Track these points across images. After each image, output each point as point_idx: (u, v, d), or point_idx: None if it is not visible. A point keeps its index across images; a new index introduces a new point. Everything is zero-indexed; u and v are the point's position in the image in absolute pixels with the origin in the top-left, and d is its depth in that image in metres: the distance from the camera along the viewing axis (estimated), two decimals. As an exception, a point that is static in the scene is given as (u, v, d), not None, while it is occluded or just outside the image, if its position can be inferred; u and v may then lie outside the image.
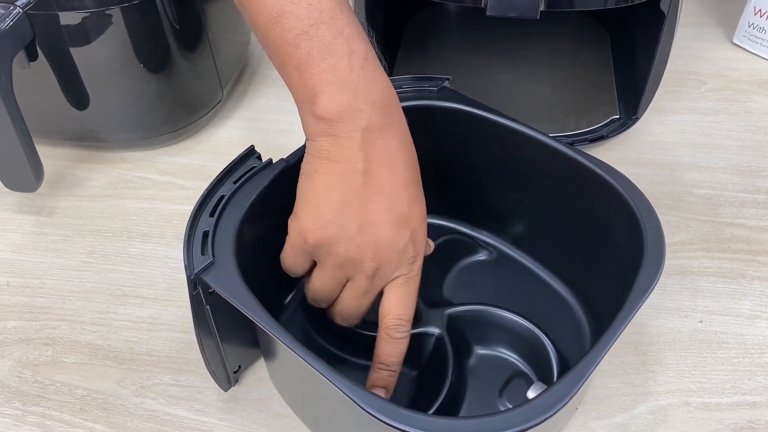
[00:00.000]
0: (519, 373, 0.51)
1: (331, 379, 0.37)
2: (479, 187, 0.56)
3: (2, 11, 0.56)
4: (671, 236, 0.60)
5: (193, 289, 0.42)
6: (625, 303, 0.41)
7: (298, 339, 0.39)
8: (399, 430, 0.35)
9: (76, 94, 0.64)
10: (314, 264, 0.46)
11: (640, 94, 0.66)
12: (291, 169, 0.48)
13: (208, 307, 0.43)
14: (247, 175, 0.46)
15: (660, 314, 0.55)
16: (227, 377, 0.50)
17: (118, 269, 0.60)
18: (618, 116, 0.68)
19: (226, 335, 0.47)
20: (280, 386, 0.51)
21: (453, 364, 0.49)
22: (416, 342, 0.50)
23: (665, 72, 0.65)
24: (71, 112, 0.65)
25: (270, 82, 0.78)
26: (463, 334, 0.52)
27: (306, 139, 0.44)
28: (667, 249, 0.43)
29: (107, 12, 0.58)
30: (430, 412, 0.46)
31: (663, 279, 0.42)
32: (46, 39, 0.59)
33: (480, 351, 0.52)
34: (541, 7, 0.54)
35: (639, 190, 0.46)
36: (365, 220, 0.43)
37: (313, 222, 0.43)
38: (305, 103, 0.43)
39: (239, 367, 0.51)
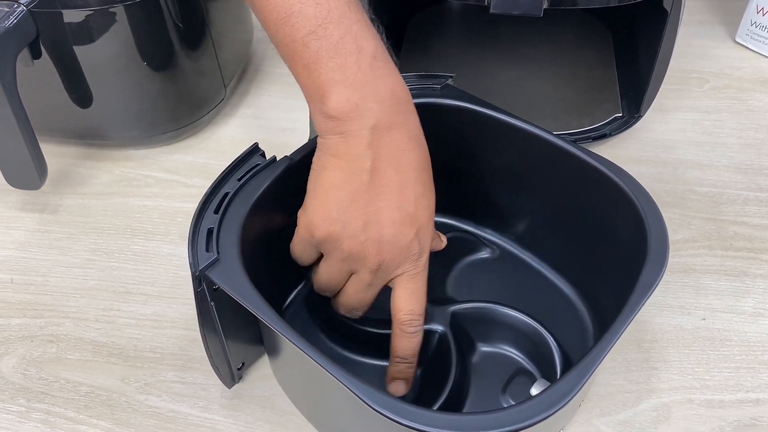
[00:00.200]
0: (522, 371, 0.51)
1: (335, 375, 0.37)
2: (482, 184, 0.56)
3: (6, 9, 0.56)
4: (674, 234, 0.60)
5: (197, 285, 0.42)
6: (628, 300, 0.41)
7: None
8: (403, 426, 0.36)
9: (80, 92, 0.64)
10: (321, 255, 0.47)
11: (642, 93, 0.66)
12: (295, 166, 0.48)
13: (212, 303, 0.43)
14: (251, 172, 0.46)
15: (663, 312, 0.56)
16: (231, 374, 0.50)
17: (121, 267, 0.60)
18: (621, 114, 0.68)
19: (230, 332, 0.47)
20: (284, 383, 0.51)
21: (456, 362, 0.49)
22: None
23: (668, 70, 0.65)
24: (74, 110, 0.65)
25: (272, 80, 0.78)
26: (467, 331, 0.52)
27: (317, 135, 0.45)
28: (670, 247, 0.43)
29: (111, 10, 0.59)
30: (434, 408, 0.47)
31: (666, 277, 0.42)
32: (49, 37, 0.59)
33: (483, 348, 0.52)
34: (545, 5, 0.54)
35: (643, 188, 0.46)
36: (370, 218, 0.43)
37: (320, 217, 0.44)
38: (315, 101, 0.43)
39: (243, 364, 0.51)
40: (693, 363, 0.53)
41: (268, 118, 0.73)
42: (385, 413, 0.36)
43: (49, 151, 0.64)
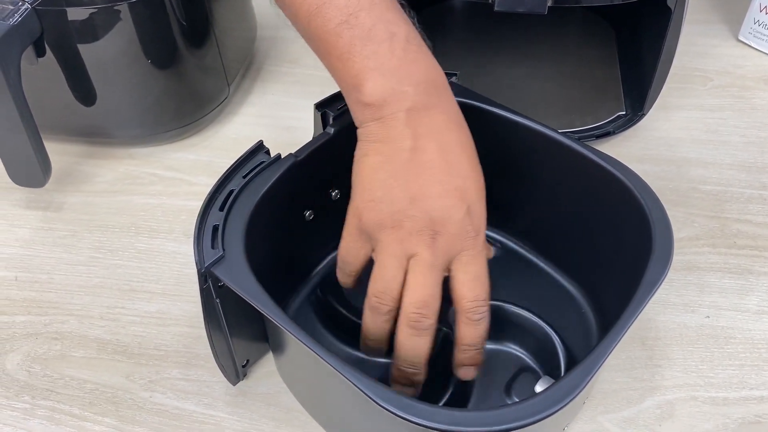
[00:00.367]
0: (526, 368, 0.51)
1: (341, 371, 0.37)
2: (486, 182, 0.56)
3: (11, 7, 0.56)
4: (677, 232, 0.60)
5: (203, 282, 0.42)
6: (633, 297, 0.41)
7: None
8: (409, 422, 0.36)
9: (84, 90, 0.64)
10: (370, 262, 0.45)
11: (646, 91, 0.67)
12: (300, 163, 0.48)
13: (217, 300, 0.43)
14: (257, 169, 0.47)
15: (667, 309, 0.56)
16: (236, 371, 0.50)
17: (126, 264, 0.60)
18: (624, 112, 0.68)
19: (235, 329, 0.47)
20: (289, 380, 0.51)
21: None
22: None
23: (671, 68, 0.65)
24: (78, 108, 0.65)
25: (275, 79, 0.78)
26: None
27: (356, 127, 0.45)
28: (674, 244, 0.43)
29: (115, 8, 0.59)
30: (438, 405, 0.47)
31: (669, 274, 0.42)
32: (53, 35, 0.59)
33: (487, 346, 0.51)
34: (549, 3, 0.54)
35: (647, 185, 0.46)
36: (416, 193, 0.42)
37: (366, 201, 0.43)
38: (351, 91, 0.43)
39: (247, 361, 0.51)
40: (697, 360, 0.53)
41: (271, 116, 0.73)
42: (390, 409, 0.36)
43: (53, 149, 0.64)
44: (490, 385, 0.50)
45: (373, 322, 0.44)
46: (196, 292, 0.43)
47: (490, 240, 0.58)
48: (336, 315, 0.53)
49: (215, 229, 0.43)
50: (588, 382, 0.38)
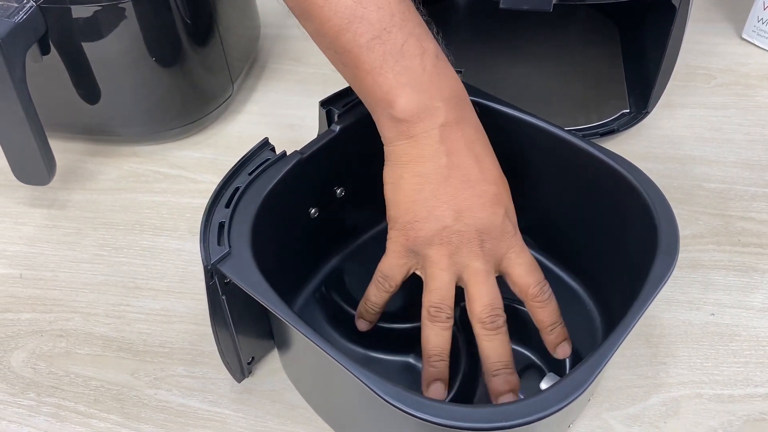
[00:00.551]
0: (531, 365, 0.51)
1: (347, 367, 0.37)
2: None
3: (16, 5, 0.56)
4: (682, 230, 0.59)
5: (209, 279, 0.42)
6: (639, 294, 0.41)
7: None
8: (415, 418, 0.36)
9: (88, 88, 0.64)
10: (408, 279, 0.46)
11: (650, 89, 0.67)
12: (305, 161, 0.48)
13: (223, 297, 0.43)
14: (262, 166, 0.47)
15: (671, 307, 0.56)
16: (241, 368, 0.50)
17: (130, 262, 0.60)
18: (628, 110, 0.68)
19: (241, 326, 0.47)
20: (294, 377, 0.51)
21: (466, 356, 0.49)
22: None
23: (674, 66, 0.65)
24: (83, 105, 0.65)
25: (279, 77, 0.78)
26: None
27: (384, 146, 0.45)
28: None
29: (119, 5, 0.59)
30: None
31: (674, 272, 0.42)
32: (58, 32, 0.59)
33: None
34: (554, 0, 0.54)
35: (653, 182, 0.46)
36: (460, 207, 0.44)
37: (411, 222, 0.44)
38: (382, 107, 0.44)
39: (252, 358, 0.51)
40: (702, 358, 0.53)
41: (275, 115, 0.73)
42: (397, 405, 0.36)
43: (58, 146, 0.64)
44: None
45: (434, 332, 0.45)
46: (201, 290, 0.43)
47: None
48: (340, 312, 0.53)
49: (221, 226, 0.43)
50: (594, 379, 0.38)
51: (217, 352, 0.48)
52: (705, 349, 0.53)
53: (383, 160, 0.46)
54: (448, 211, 0.44)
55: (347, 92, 0.52)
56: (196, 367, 0.53)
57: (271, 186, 0.46)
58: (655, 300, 0.41)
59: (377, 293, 0.48)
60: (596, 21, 0.79)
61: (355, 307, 0.52)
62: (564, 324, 0.47)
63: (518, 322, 0.52)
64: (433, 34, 0.45)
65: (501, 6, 0.54)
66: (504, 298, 0.51)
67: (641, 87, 0.69)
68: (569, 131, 0.49)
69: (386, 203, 0.46)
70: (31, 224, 0.63)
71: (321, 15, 0.43)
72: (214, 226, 0.43)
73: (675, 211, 0.45)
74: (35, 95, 0.57)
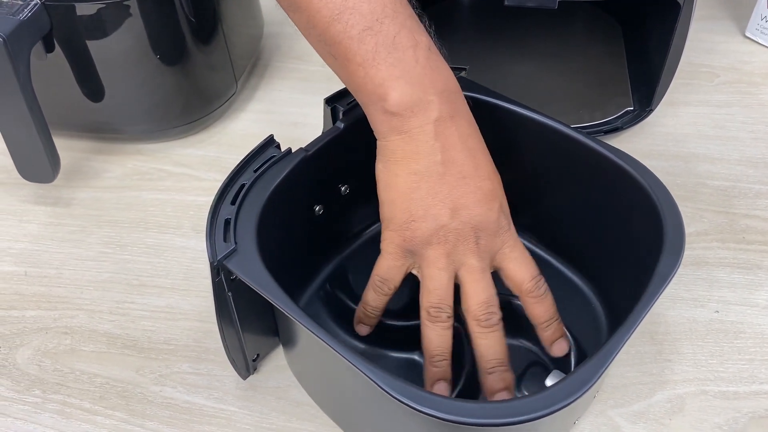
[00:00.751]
0: (536, 362, 0.51)
1: (354, 363, 0.37)
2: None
3: (21, 2, 0.56)
4: (686, 227, 0.58)
5: (215, 275, 0.42)
6: (645, 291, 0.41)
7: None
8: (422, 413, 0.36)
9: (92, 86, 0.64)
10: (409, 276, 0.46)
11: (653, 87, 0.67)
12: (310, 158, 0.48)
13: (229, 294, 0.43)
14: (268, 163, 0.47)
15: (676, 304, 0.56)
16: (246, 365, 0.50)
17: (135, 259, 0.60)
18: (632, 108, 0.68)
19: (246, 323, 0.47)
20: (300, 374, 0.51)
21: (470, 353, 0.49)
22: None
23: (678, 64, 0.65)
24: (87, 103, 0.65)
25: (282, 75, 0.78)
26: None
27: (377, 140, 0.45)
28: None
29: (124, 3, 0.59)
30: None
31: (679, 270, 0.42)
32: (62, 30, 0.59)
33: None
34: (559, -3, 0.54)
35: (658, 179, 0.46)
36: (455, 205, 0.43)
37: (407, 221, 0.44)
38: (374, 100, 0.43)
39: (258, 355, 0.51)
40: (707, 355, 0.53)
41: (278, 113, 0.73)
42: (403, 400, 0.36)
43: (62, 144, 0.64)
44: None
45: (436, 333, 0.45)
46: (206, 287, 0.43)
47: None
48: (345, 309, 0.53)
49: (227, 222, 0.43)
50: (599, 377, 0.38)
51: (222, 349, 0.48)
52: (710, 347, 0.53)
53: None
54: (445, 209, 0.43)
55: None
56: (201, 364, 0.53)
57: (276, 183, 0.46)
58: (659, 297, 0.41)
59: (376, 297, 0.47)
60: (600, 19, 0.79)
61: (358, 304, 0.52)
62: (561, 320, 0.47)
63: (522, 318, 0.52)
64: (425, 27, 0.45)
65: (506, 3, 0.54)
66: (506, 294, 0.52)
67: (645, 85, 0.69)
68: (574, 128, 0.49)
69: (380, 202, 0.45)
70: (36, 222, 0.64)
71: (310, 6, 0.42)
72: (220, 223, 0.43)
73: (679, 208, 0.45)
74: (39, 93, 0.57)
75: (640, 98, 0.69)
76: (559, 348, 0.47)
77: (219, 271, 0.42)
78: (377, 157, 0.45)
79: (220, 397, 0.51)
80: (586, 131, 0.66)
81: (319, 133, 0.50)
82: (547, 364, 0.51)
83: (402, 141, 0.43)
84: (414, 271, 0.46)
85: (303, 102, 0.74)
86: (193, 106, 0.69)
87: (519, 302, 0.51)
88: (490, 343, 0.45)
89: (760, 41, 0.79)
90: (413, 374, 0.50)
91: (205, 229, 0.43)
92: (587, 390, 0.37)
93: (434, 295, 0.44)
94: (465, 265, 0.44)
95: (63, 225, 0.63)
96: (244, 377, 0.51)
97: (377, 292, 0.47)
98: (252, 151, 0.47)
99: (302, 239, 0.52)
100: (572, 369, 0.50)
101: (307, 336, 0.40)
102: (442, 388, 0.45)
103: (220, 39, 0.68)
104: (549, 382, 0.48)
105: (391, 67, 0.42)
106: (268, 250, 0.44)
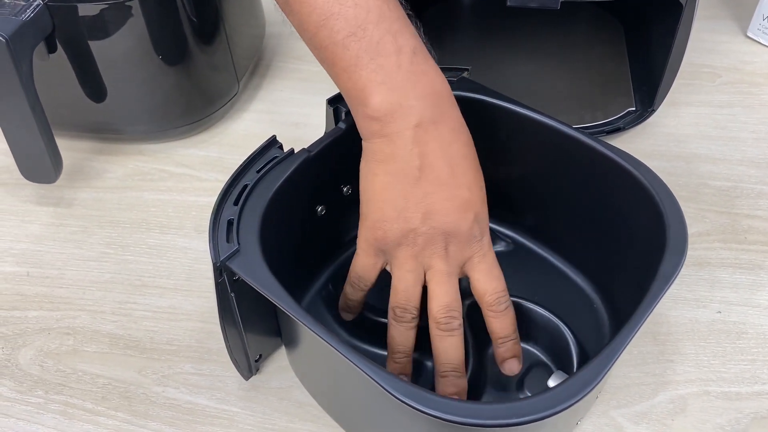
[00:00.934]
0: (538, 363, 0.51)
1: (357, 364, 0.37)
2: (497, 177, 0.56)
3: (23, 3, 0.56)
4: (688, 228, 0.60)
5: (218, 276, 0.42)
6: (648, 291, 0.41)
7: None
8: (425, 414, 0.36)
9: (94, 86, 0.64)
10: (385, 273, 0.47)
11: (656, 87, 0.67)
12: (313, 158, 0.48)
13: (232, 294, 0.43)
14: (270, 164, 0.47)
15: (678, 305, 0.56)
16: (249, 366, 0.50)
17: (137, 260, 0.60)
18: (634, 108, 0.68)
19: (249, 323, 0.47)
20: (302, 374, 0.51)
21: (473, 354, 0.49)
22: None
23: (680, 65, 0.65)
24: (89, 104, 0.65)
25: (284, 75, 0.78)
26: (483, 324, 0.52)
27: (362, 140, 0.45)
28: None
29: (126, 4, 0.59)
30: (452, 400, 0.47)
31: (681, 270, 0.42)
32: (65, 31, 0.59)
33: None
34: (561, -2, 0.54)
35: (661, 180, 0.46)
36: (427, 210, 0.43)
37: (380, 221, 0.44)
38: (357, 104, 0.44)
39: (260, 356, 0.51)
40: (709, 355, 0.53)
41: (280, 113, 0.73)
42: (406, 401, 0.36)
43: (64, 145, 0.65)
44: (503, 380, 0.50)
45: (399, 332, 0.46)
46: (208, 287, 0.43)
47: (499, 235, 0.58)
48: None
49: (230, 223, 0.43)
50: (602, 377, 0.38)
51: (225, 350, 0.48)
52: (712, 347, 0.53)
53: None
54: (416, 213, 0.43)
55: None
56: (204, 364, 0.53)
57: (279, 184, 0.46)
58: (662, 298, 0.41)
59: (353, 292, 0.48)
60: (602, 19, 0.79)
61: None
62: (518, 340, 0.47)
63: (525, 320, 0.52)
64: (415, 29, 0.45)
65: (508, 4, 0.54)
66: (510, 295, 0.52)
67: (647, 85, 0.69)
68: (576, 129, 0.49)
69: (360, 197, 0.46)
70: (38, 222, 0.64)
71: (301, 10, 0.43)
72: (223, 224, 0.43)
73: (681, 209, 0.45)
74: (42, 93, 0.57)
75: (642, 98, 0.69)
76: (509, 367, 0.47)
77: (222, 271, 0.42)
78: (362, 156, 0.46)
79: (223, 397, 0.51)
80: (588, 131, 0.66)
81: (322, 134, 0.50)
82: (549, 365, 0.51)
83: (382, 143, 0.44)
84: (387, 268, 0.47)
85: (305, 102, 0.74)
86: (195, 106, 0.69)
87: (522, 303, 0.52)
88: (445, 347, 0.45)
89: (761, 41, 0.79)
90: (415, 374, 0.50)
91: (207, 229, 0.43)
92: (590, 391, 0.37)
93: (401, 296, 0.45)
94: (432, 268, 0.45)
95: (65, 225, 0.63)
96: (247, 378, 0.51)
97: (354, 288, 0.48)
98: (255, 151, 0.47)
99: (305, 240, 0.52)
100: (575, 370, 0.50)
101: (310, 336, 0.41)
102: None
103: (222, 39, 0.68)
104: (551, 382, 0.48)
105: (372, 72, 0.42)
106: (271, 251, 0.44)
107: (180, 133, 0.70)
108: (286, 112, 0.74)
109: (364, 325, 0.52)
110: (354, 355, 0.38)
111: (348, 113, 0.50)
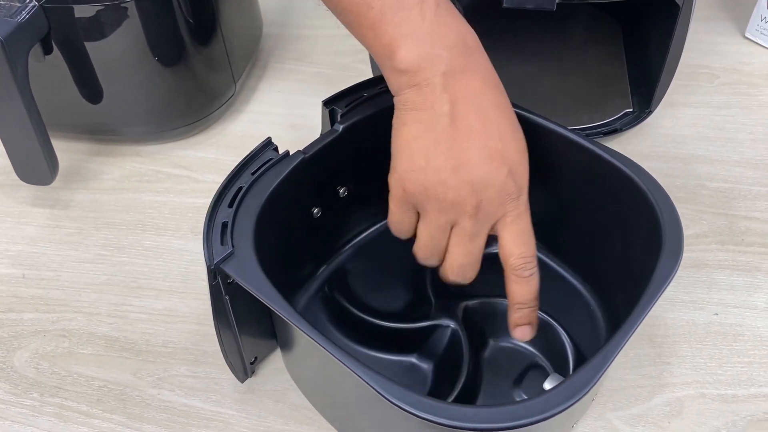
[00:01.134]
0: (534, 365, 0.51)
1: (351, 368, 0.37)
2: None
3: (19, 4, 0.56)
4: (685, 229, 0.58)
5: (212, 279, 0.42)
6: (644, 293, 0.41)
7: (315, 330, 0.39)
8: (418, 418, 0.36)
9: (90, 88, 0.64)
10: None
11: (653, 88, 0.66)
12: (308, 160, 0.48)
13: (227, 297, 0.43)
14: (265, 166, 0.46)
15: (675, 307, 0.56)
16: (244, 368, 0.50)
17: (133, 262, 0.60)
18: (631, 109, 0.68)
19: (244, 326, 0.47)
20: (297, 377, 0.51)
21: (469, 356, 0.49)
22: (432, 334, 0.51)
23: (678, 66, 0.65)
24: (85, 105, 0.65)
25: (282, 76, 0.78)
26: (479, 326, 0.52)
27: (393, 96, 0.45)
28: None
29: (122, 5, 0.59)
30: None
31: (678, 272, 0.42)
32: (61, 32, 0.59)
33: (495, 343, 0.52)
34: (557, -1, 0.54)
35: (656, 182, 0.46)
36: (458, 161, 0.42)
37: (408, 170, 0.44)
38: (385, 60, 0.43)
39: (255, 358, 0.51)
40: (705, 358, 0.52)
41: (277, 114, 0.73)
42: (399, 405, 0.36)
43: (60, 146, 0.64)
44: (499, 381, 0.50)
45: (428, 260, 0.47)
46: (204, 289, 0.43)
47: (496, 236, 0.58)
48: (343, 312, 0.53)
49: (224, 225, 0.43)
50: (598, 380, 0.38)
51: (220, 352, 0.48)
52: (709, 349, 0.53)
53: (386, 159, 0.46)
54: (447, 163, 0.42)
55: (350, 91, 0.52)
56: (199, 367, 0.53)
57: (274, 186, 0.46)
58: (658, 300, 0.41)
59: (400, 234, 0.48)
60: (599, 20, 0.79)
61: (358, 308, 0.52)
62: (537, 308, 0.46)
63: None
64: None
65: (504, 5, 0.54)
66: (503, 297, 0.52)
67: (644, 86, 0.69)
68: (573, 130, 0.49)
69: (391, 149, 0.45)
70: (34, 224, 0.63)
71: None
72: (217, 226, 0.43)
73: (678, 210, 0.45)
74: (38, 95, 0.57)
75: (640, 100, 0.69)
76: (521, 334, 0.47)
77: (216, 274, 0.42)
78: (394, 112, 0.45)
79: (218, 400, 0.51)
80: (584, 133, 0.66)
81: (318, 135, 0.50)
82: (545, 367, 0.51)
83: (412, 93, 0.43)
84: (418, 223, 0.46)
85: (302, 103, 0.74)
86: (192, 107, 0.69)
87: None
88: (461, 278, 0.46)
89: (760, 42, 0.79)
90: (412, 377, 0.50)
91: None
92: (585, 394, 0.37)
93: (424, 251, 0.46)
94: (458, 225, 0.44)
95: (61, 227, 0.63)
96: (242, 380, 0.51)
97: (396, 234, 0.48)
98: (249, 153, 0.47)
99: (300, 242, 0.52)
100: (570, 372, 0.50)
101: (305, 340, 0.40)
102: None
103: (218, 40, 0.68)
104: (547, 385, 0.48)
105: (397, 27, 0.42)
106: (266, 253, 0.43)
107: (177, 135, 0.70)
108: (284, 113, 0.73)
109: (360, 327, 0.52)
110: (348, 358, 0.38)
111: (344, 114, 0.50)
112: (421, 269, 0.54)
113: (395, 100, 0.45)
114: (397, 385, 0.36)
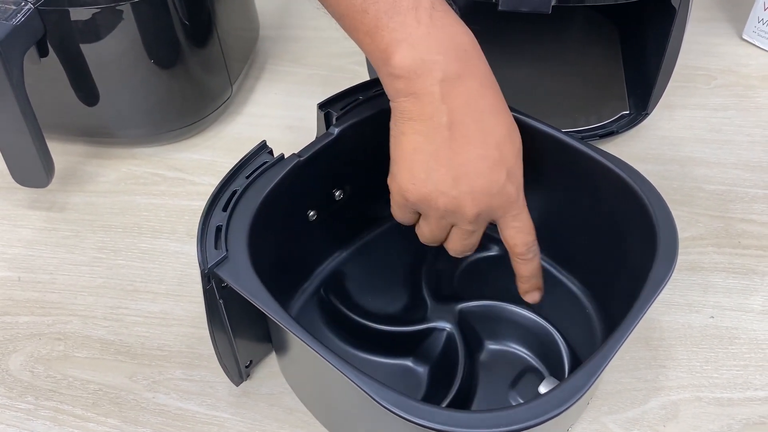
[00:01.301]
0: (530, 368, 0.51)
1: (345, 373, 0.37)
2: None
3: (14, 7, 0.56)
4: (682, 232, 0.60)
5: (206, 283, 0.42)
6: (638, 297, 0.41)
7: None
8: (413, 423, 0.36)
9: (86, 90, 0.64)
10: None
11: (649, 90, 0.66)
12: (303, 163, 0.48)
13: (221, 301, 0.43)
14: (260, 170, 0.46)
15: (671, 310, 0.55)
16: (239, 372, 0.50)
17: (129, 265, 0.60)
18: (628, 112, 0.68)
19: (239, 330, 0.47)
20: (292, 381, 0.51)
21: (464, 359, 0.49)
22: (427, 337, 0.51)
23: (674, 68, 0.65)
24: (81, 108, 0.65)
25: (278, 79, 0.78)
26: (474, 329, 0.52)
27: (389, 101, 0.45)
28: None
29: (117, 8, 0.59)
30: (442, 407, 0.46)
31: (674, 275, 0.42)
32: (56, 35, 0.59)
33: (491, 346, 0.52)
34: (553, 2, 0.54)
35: (651, 185, 0.46)
36: (458, 172, 0.43)
37: (409, 182, 0.44)
38: (381, 65, 0.43)
39: (251, 361, 0.51)
40: (701, 361, 0.52)
41: (274, 116, 0.73)
42: (393, 410, 0.36)
43: (56, 149, 0.64)
44: (494, 385, 0.50)
45: (429, 244, 0.49)
46: (199, 293, 0.43)
47: (493, 240, 0.58)
48: (339, 315, 0.53)
49: (218, 229, 0.43)
50: (593, 383, 0.37)
51: (215, 356, 0.48)
52: (704, 352, 0.53)
53: (382, 162, 0.46)
54: (447, 175, 0.43)
55: (346, 94, 0.52)
56: (195, 370, 0.53)
57: (268, 189, 0.46)
58: (654, 303, 0.41)
59: (402, 224, 0.49)
60: (596, 22, 0.79)
61: (353, 311, 0.52)
62: (541, 276, 0.49)
63: (516, 325, 0.52)
64: None
65: (500, 8, 0.54)
66: (502, 300, 0.52)
67: (641, 88, 0.69)
68: (568, 133, 0.49)
69: (390, 156, 0.46)
70: (30, 227, 0.63)
71: None
72: (212, 230, 0.43)
73: (674, 212, 0.45)
74: (33, 97, 0.57)
75: (636, 102, 0.69)
76: (531, 297, 0.50)
77: (210, 278, 0.42)
78: (391, 117, 0.45)
79: (213, 403, 0.51)
80: (580, 135, 0.66)
81: (314, 138, 0.50)
82: (540, 370, 0.50)
83: (409, 102, 0.43)
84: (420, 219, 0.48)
85: (298, 105, 0.74)
86: (188, 109, 0.69)
87: (513, 308, 0.52)
88: (462, 250, 0.48)
89: (757, 44, 0.79)
90: (407, 381, 0.50)
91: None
92: (580, 397, 0.37)
93: (425, 240, 0.48)
94: (457, 225, 0.46)
95: (57, 230, 0.63)
96: (237, 384, 0.51)
97: (400, 222, 0.49)
98: (244, 157, 0.47)
99: (295, 245, 0.52)
100: (566, 375, 0.50)
101: (299, 344, 0.40)
102: None
103: (215, 42, 0.68)
104: (542, 389, 0.48)
105: (392, 32, 0.42)
106: (261, 257, 0.43)
107: (173, 137, 0.70)
108: (280, 115, 0.73)
109: (356, 330, 0.52)
110: (341, 363, 0.37)
111: (339, 117, 0.50)
112: (417, 273, 0.54)
113: (392, 105, 0.44)
114: (390, 389, 0.36)
